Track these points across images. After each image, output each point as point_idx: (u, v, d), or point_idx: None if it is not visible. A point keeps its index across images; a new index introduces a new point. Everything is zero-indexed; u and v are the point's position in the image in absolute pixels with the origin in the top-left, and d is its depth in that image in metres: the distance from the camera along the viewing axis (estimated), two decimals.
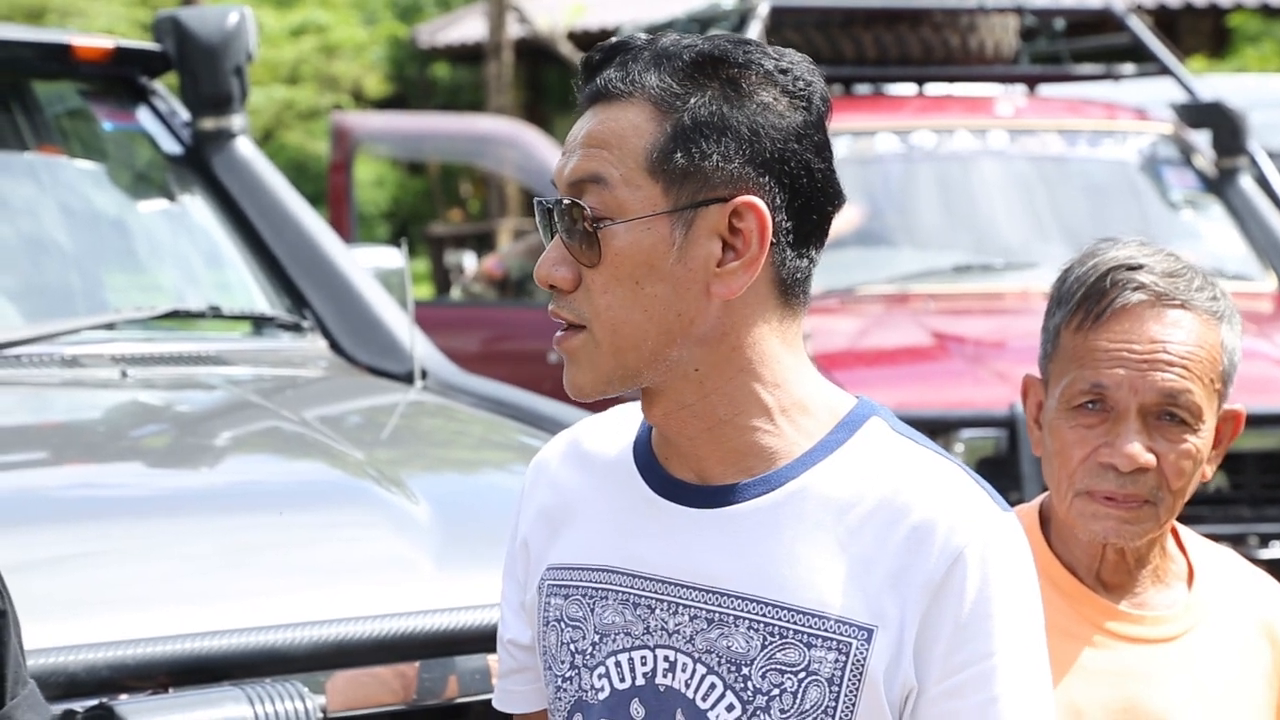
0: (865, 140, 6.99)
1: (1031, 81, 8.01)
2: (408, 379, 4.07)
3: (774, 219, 1.80)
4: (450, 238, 15.40)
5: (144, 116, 4.41)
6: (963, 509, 1.80)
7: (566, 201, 1.82)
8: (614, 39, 1.88)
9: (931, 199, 7.07)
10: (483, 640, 2.75)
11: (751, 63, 1.82)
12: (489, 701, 2.12)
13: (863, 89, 7.77)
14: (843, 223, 6.78)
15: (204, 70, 4.29)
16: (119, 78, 4.44)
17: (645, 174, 1.80)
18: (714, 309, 1.81)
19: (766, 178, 1.80)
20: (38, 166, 4.34)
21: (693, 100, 1.80)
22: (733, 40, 1.85)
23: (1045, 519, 2.33)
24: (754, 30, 6.81)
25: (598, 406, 2.02)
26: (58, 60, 4.36)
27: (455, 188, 23.28)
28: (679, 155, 1.80)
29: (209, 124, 4.34)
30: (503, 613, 2.04)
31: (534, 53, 21.44)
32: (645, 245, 1.80)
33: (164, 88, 4.50)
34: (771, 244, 1.81)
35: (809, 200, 1.83)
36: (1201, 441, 2.23)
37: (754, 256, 1.80)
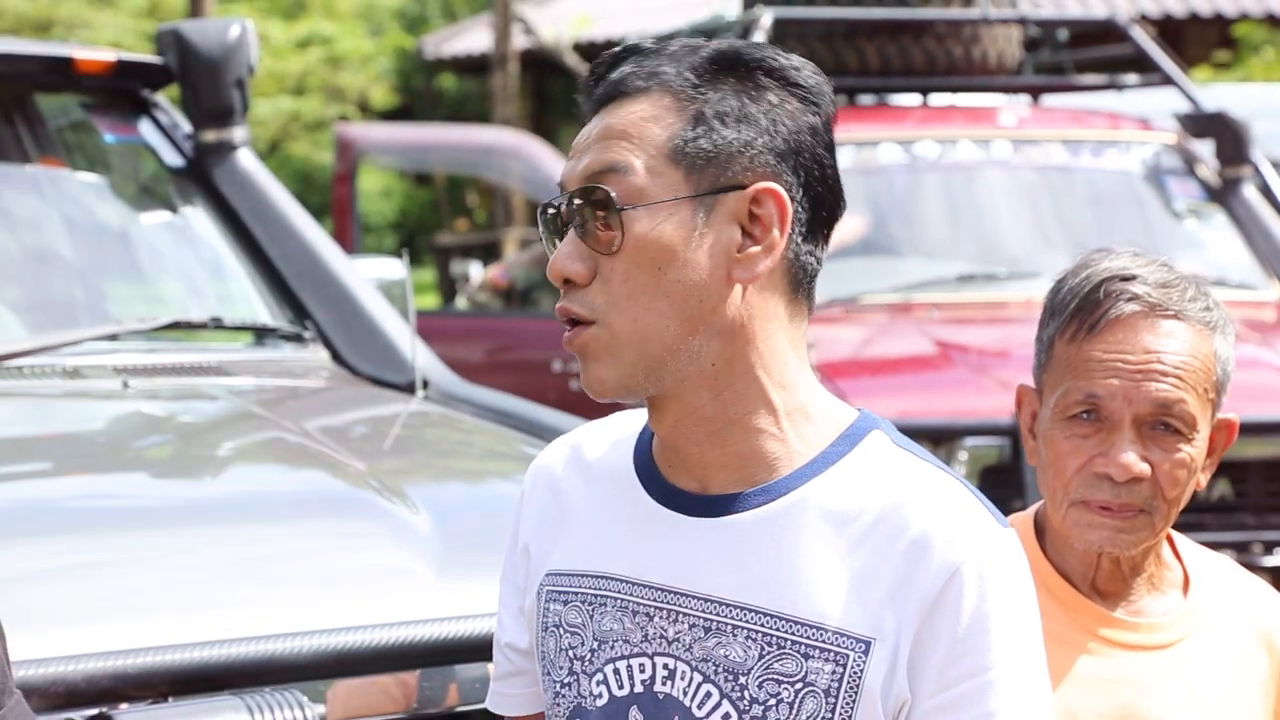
0: (869, 151, 6.99)
1: (1035, 92, 8.01)
2: (409, 389, 4.07)
3: (792, 207, 1.82)
4: (457, 248, 15.43)
5: (146, 129, 4.41)
6: (961, 524, 1.81)
7: (588, 188, 1.82)
8: (619, 46, 1.90)
9: (935, 209, 7.07)
10: (483, 649, 2.74)
11: (764, 61, 1.85)
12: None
13: (866, 100, 7.77)
14: (847, 232, 6.80)
15: (205, 83, 4.29)
16: (121, 90, 4.45)
17: (667, 160, 1.82)
18: (734, 296, 1.82)
19: (784, 165, 1.83)
20: (40, 179, 4.35)
21: (710, 93, 1.83)
22: (744, 42, 1.88)
23: (1040, 527, 2.33)
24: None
25: (602, 409, 2.01)
26: (60, 73, 4.36)
27: (462, 198, 23.30)
28: (701, 141, 1.81)
29: (211, 136, 4.34)
30: (500, 616, 2.04)
31: (539, 64, 21.46)
32: (668, 230, 1.81)
33: (166, 100, 4.50)
34: (789, 232, 1.83)
35: (820, 194, 1.85)
36: (1196, 451, 2.24)
37: (774, 242, 1.82)
